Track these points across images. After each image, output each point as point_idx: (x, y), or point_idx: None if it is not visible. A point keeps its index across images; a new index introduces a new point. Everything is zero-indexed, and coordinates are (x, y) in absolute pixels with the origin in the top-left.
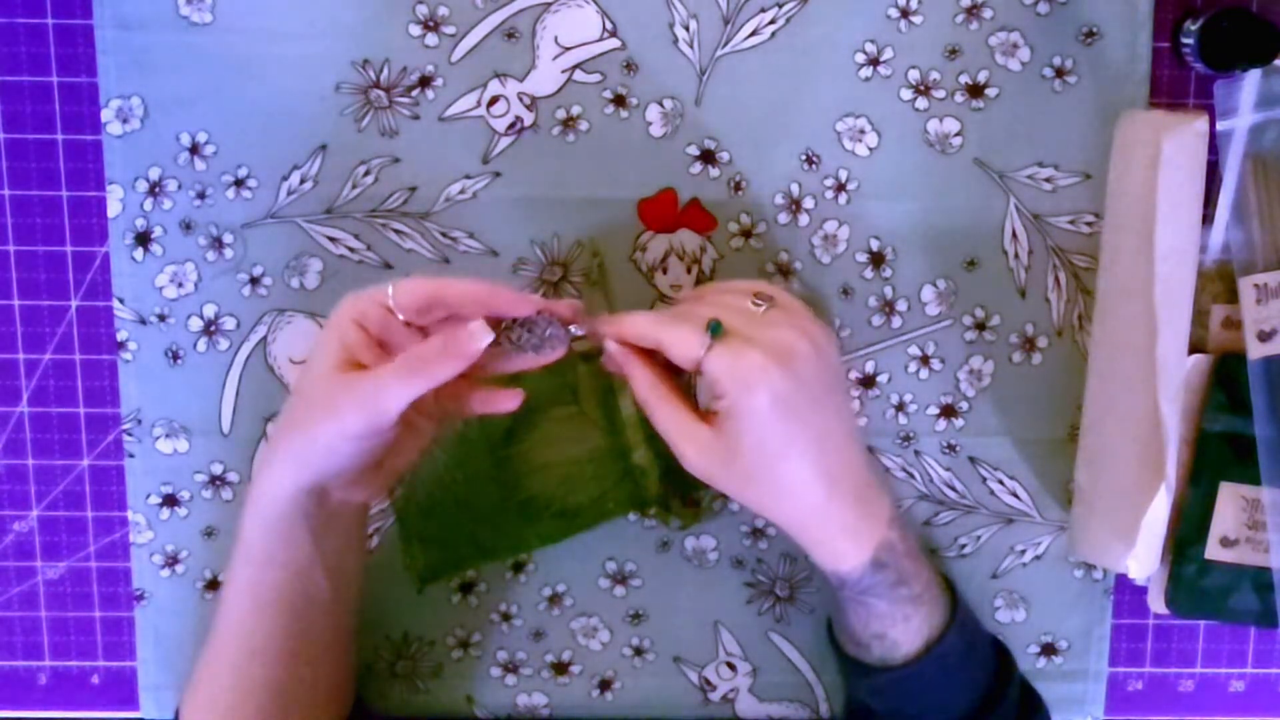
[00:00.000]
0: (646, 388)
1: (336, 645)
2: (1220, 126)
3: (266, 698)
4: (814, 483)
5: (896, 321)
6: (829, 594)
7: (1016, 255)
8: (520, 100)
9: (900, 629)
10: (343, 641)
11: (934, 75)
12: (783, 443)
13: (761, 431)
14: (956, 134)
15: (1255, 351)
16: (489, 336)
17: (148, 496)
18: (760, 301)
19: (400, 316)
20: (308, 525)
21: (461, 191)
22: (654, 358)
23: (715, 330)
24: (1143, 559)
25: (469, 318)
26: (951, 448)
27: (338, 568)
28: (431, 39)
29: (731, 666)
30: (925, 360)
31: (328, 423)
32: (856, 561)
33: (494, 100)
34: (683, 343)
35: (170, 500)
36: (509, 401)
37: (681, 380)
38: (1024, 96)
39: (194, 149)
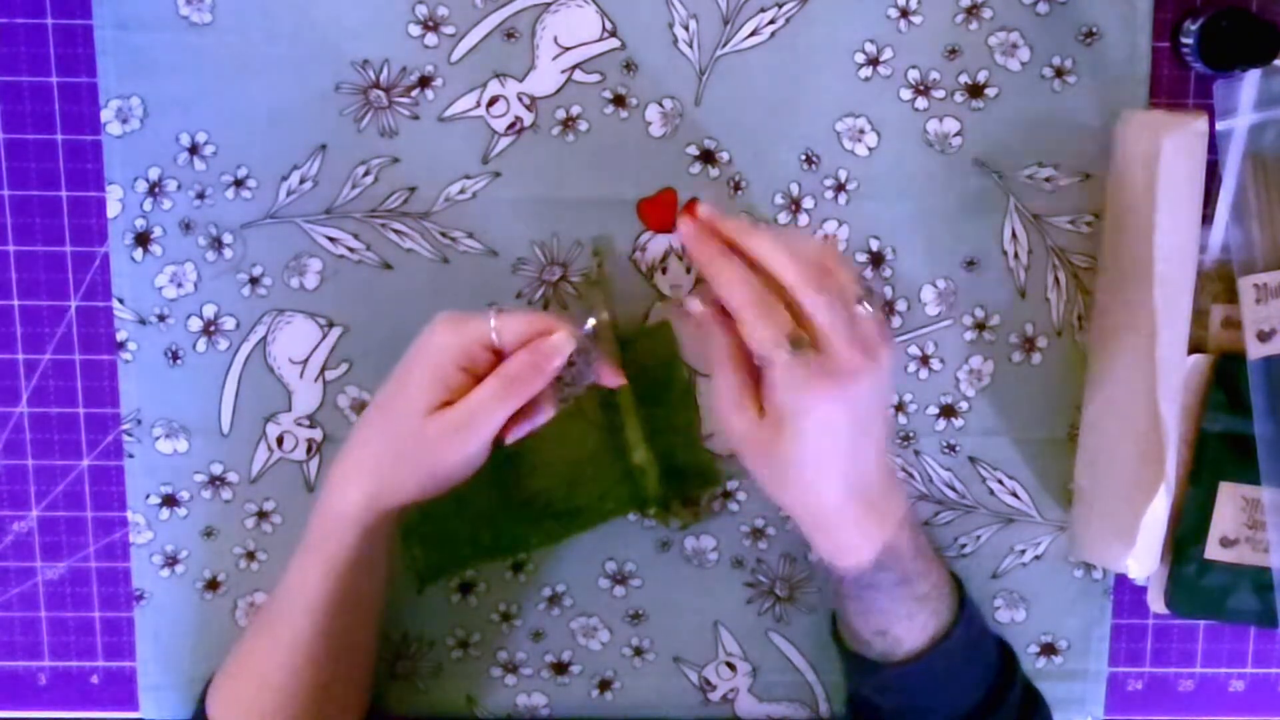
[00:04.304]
0: (717, 350)
1: (370, 645)
2: (1220, 126)
3: (308, 696)
4: (834, 488)
5: (896, 321)
6: (831, 589)
7: (1016, 255)
8: (520, 100)
9: (903, 626)
10: (375, 641)
11: (934, 75)
12: (818, 457)
13: (803, 444)
14: (956, 134)
15: (1255, 351)
16: (572, 344)
17: (147, 496)
18: (867, 303)
19: (497, 345)
20: (377, 540)
21: (461, 191)
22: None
23: (798, 345)
24: (1142, 559)
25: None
26: (951, 448)
27: (385, 571)
28: (431, 39)
29: (731, 666)
30: (925, 360)
31: (430, 464)
32: (857, 560)
33: (494, 100)
34: (763, 340)
35: (170, 500)
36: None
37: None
38: (1024, 96)
39: (193, 149)
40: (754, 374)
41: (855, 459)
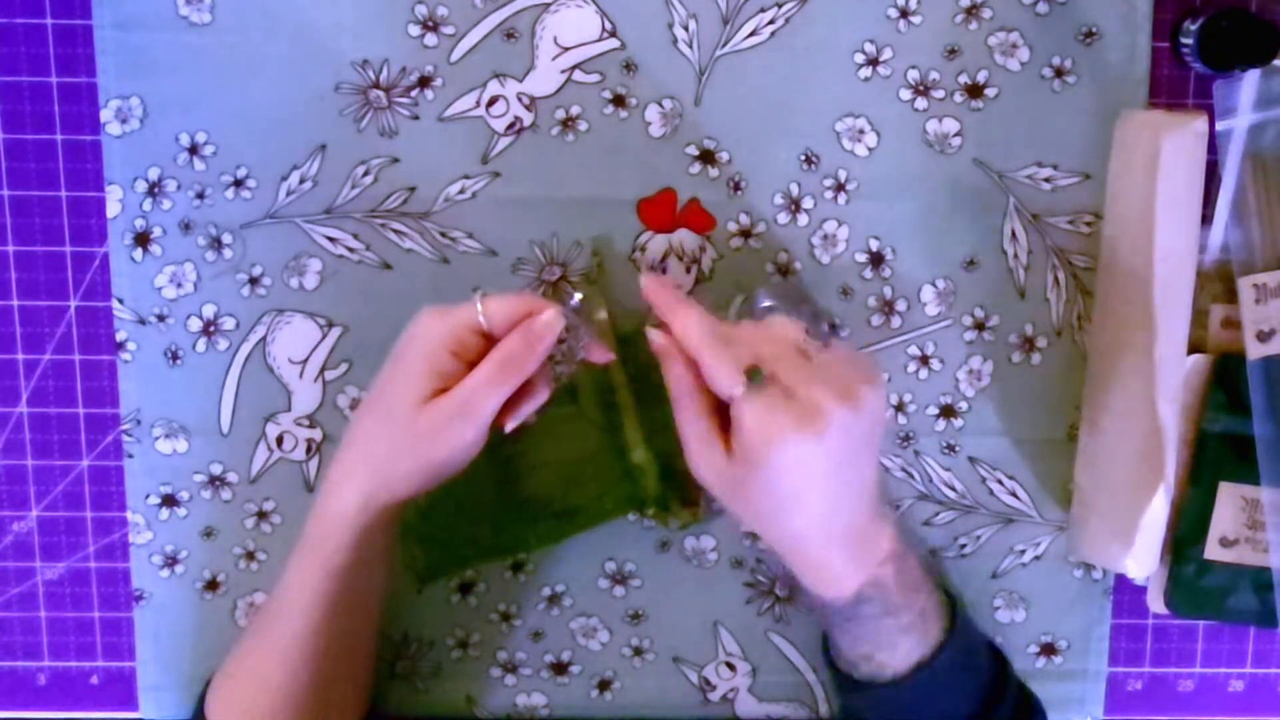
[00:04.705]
0: (677, 384)
1: (369, 646)
2: (1219, 126)
3: (307, 697)
4: (807, 528)
5: (896, 321)
6: (817, 612)
7: (1016, 255)
8: (519, 100)
9: (887, 653)
10: (374, 642)
11: (933, 75)
12: (789, 497)
13: (772, 484)
14: (956, 134)
15: (1254, 351)
16: (563, 321)
17: (147, 497)
18: (814, 338)
19: (486, 328)
20: (375, 540)
21: (461, 191)
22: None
23: (755, 377)
24: (1142, 559)
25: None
26: (951, 448)
27: (383, 570)
28: (431, 39)
29: (731, 666)
30: (925, 360)
31: (428, 454)
32: (837, 594)
33: (493, 100)
34: (722, 376)
35: (169, 500)
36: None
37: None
38: (1023, 96)
39: (193, 149)
40: (719, 409)
41: (832, 499)
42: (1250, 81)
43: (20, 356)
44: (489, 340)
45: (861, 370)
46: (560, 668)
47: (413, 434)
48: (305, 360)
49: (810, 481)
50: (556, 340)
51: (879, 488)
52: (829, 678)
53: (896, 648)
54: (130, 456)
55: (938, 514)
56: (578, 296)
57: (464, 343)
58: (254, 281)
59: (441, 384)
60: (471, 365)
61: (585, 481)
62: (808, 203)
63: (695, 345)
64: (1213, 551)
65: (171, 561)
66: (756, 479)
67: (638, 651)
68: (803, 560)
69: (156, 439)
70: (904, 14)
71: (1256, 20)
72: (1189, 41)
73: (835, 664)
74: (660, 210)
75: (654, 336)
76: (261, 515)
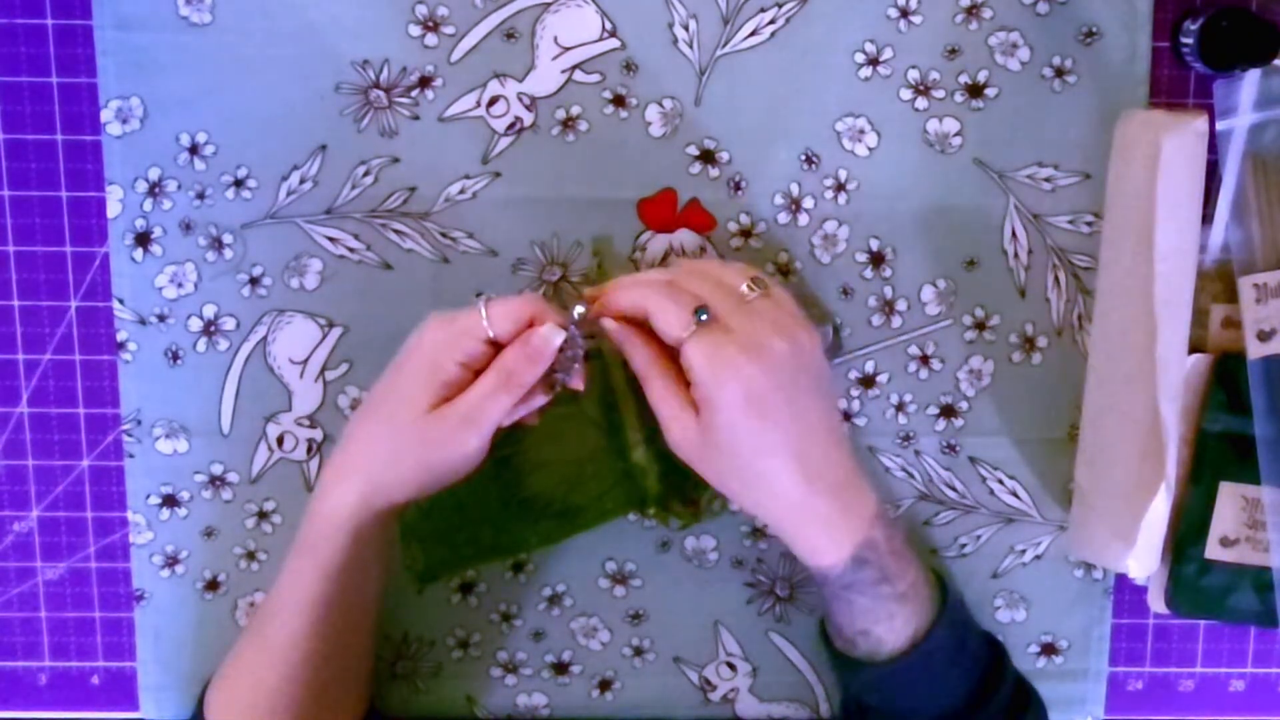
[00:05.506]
0: (643, 363)
1: (367, 646)
2: (1220, 126)
3: (304, 697)
4: (789, 477)
5: (896, 321)
6: (817, 589)
7: (1016, 255)
8: (520, 100)
9: (884, 626)
10: (372, 642)
11: (934, 75)
12: (757, 437)
13: (735, 424)
14: (956, 134)
15: (1255, 351)
16: (561, 335)
17: (147, 497)
18: (755, 287)
19: (491, 336)
20: (371, 541)
21: (461, 191)
22: (652, 332)
23: (701, 315)
24: (1143, 559)
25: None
26: (951, 447)
27: (380, 571)
28: (431, 39)
29: (731, 666)
30: (925, 360)
31: (430, 460)
32: (835, 558)
33: (494, 100)
34: (670, 320)
35: (170, 500)
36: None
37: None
38: (1024, 96)
39: (193, 149)
40: (682, 379)
41: (800, 445)
42: (1250, 81)
43: (20, 356)
44: (494, 347)
45: (796, 317)
46: (561, 668)
47: (415, 440)
48: (306, 360)
49: (769, 417)
50: (557, 349)
51: (851, 443)
52: (827, 660)
53: (894, 619)
54: (131, 456)
55: (938, 514)
56: (579, 310)
57: (469, 352)
58: (254, 281)
59: (446, 393)
60: (477, 373)
61: (585, 481)
62: (808, 203)
63: (640, 300)
64: (1213, 551)
65: (172, 561)
66: (719, 427)
67: (638, 651)
68: (794, 523)
69: (157, 439)
70: (904, 14)
71: (1256, 20)
72: (1189, 41)
73: (833, 644)
74: (660, 210)
75: (609, 325)
76: (262, 515)
